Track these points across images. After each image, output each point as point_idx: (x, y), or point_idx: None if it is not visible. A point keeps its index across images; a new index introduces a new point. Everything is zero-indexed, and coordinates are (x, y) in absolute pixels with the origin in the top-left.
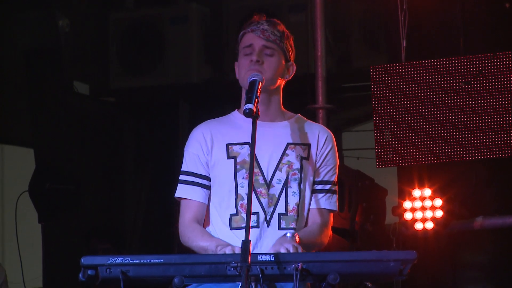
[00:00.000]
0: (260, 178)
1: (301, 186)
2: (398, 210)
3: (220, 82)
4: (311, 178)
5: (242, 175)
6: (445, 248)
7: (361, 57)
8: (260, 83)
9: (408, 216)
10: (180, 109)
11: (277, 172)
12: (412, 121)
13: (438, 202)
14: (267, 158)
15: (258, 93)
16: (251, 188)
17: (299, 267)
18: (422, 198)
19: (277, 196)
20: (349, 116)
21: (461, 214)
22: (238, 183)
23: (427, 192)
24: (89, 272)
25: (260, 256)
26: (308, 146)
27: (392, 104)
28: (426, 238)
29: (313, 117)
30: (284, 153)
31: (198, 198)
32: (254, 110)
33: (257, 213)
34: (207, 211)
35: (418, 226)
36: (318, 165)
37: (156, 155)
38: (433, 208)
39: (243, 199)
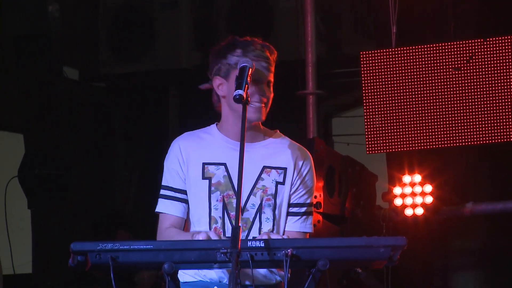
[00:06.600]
0: (234, 201)
1: (276, 212)
2: (388, 196)
3: None
4: (286, 203)
5: (216, 197)
6: (435, 234)
7: (351, 43)
8: (250, 69)
9: (398, 202)
10: (170, 94)
11: (251, 197)
12: (402, 107)
13: (428, 188)
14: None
15: (248, 79)
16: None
17: (289, 253)
18: (412, 184)
19: (251, 220)
20: (339, 102)
21: (451, 200)
22: (212, 205)
23: (417, 178)
24: (79, 258)
25: (250, 242)
26: (284, 170)
27: (382, 90)
28: (416, 224)
29: (303, 103)
30: (259, 177)
31: (177, 213)
32: (244, 96)
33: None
34: (187, 226)
35: (408, 212)
36: (294, 188)
37: (146, 140)
38: (423, 194)
39: (216, 222)
